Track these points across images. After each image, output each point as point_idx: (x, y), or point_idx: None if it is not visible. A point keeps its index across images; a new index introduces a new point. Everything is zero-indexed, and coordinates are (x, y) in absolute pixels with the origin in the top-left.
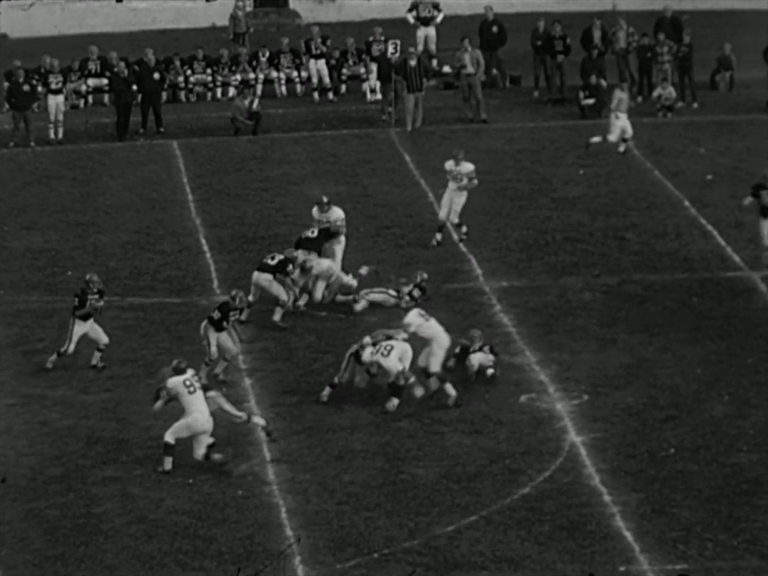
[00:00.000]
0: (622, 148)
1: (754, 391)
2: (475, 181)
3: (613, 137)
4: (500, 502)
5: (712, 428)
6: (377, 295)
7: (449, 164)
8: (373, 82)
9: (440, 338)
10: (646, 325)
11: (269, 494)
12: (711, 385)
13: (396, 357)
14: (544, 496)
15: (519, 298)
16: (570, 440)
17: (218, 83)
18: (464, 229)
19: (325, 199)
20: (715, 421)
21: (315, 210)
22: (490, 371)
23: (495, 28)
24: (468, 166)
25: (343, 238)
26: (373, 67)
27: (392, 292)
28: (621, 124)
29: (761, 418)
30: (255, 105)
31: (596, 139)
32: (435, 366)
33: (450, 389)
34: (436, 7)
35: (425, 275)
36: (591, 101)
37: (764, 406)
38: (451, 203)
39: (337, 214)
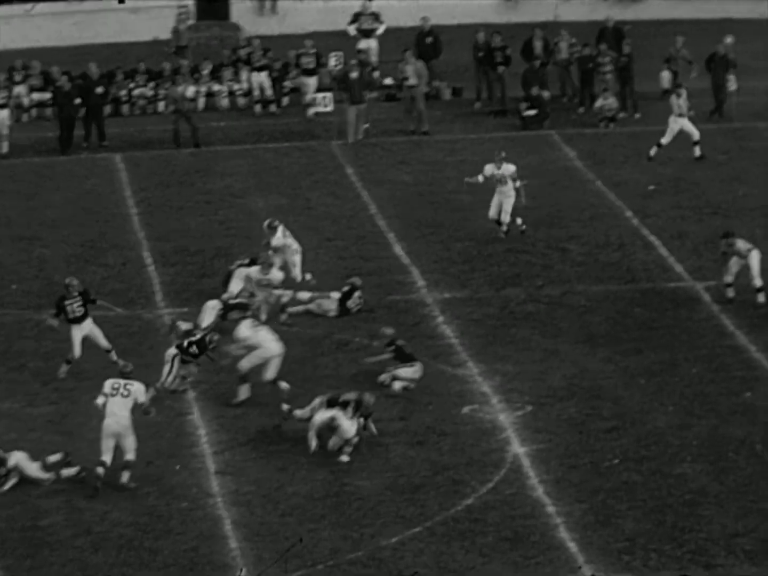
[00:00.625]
0: (697, 152)
1: (698, 402)
2: (518, 182)
3: (665, 140)
4: (444, 513)
5: (655, 439)
6: (312, 305)
7: (489, 168)
8: (311, 95)
9: (265, 349)
10: (589, 335)
11: (213, 506)
12: (654, 395)
13: (355, 426)
14: (488, 507)
15: (461, 310)
16: (513, 451)
17: (160, 96)
18: (519, 221)
19: (275, 223)
20: (659, 432)
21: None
22: (397, 385)
23: (429, 39)
24: (510, 168)
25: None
26: (305, 80)
27: (333, 294)
28: (678, 128)
29: (705, 429)
30: (188, 93)
31: (654, 150)
32: (269, 374)
33: (244, 392)
34: (377, 18)
35: (359, 282)
36: (533, 112)
37: (708, 416)
38: (501, 204)
39: (280, 240)
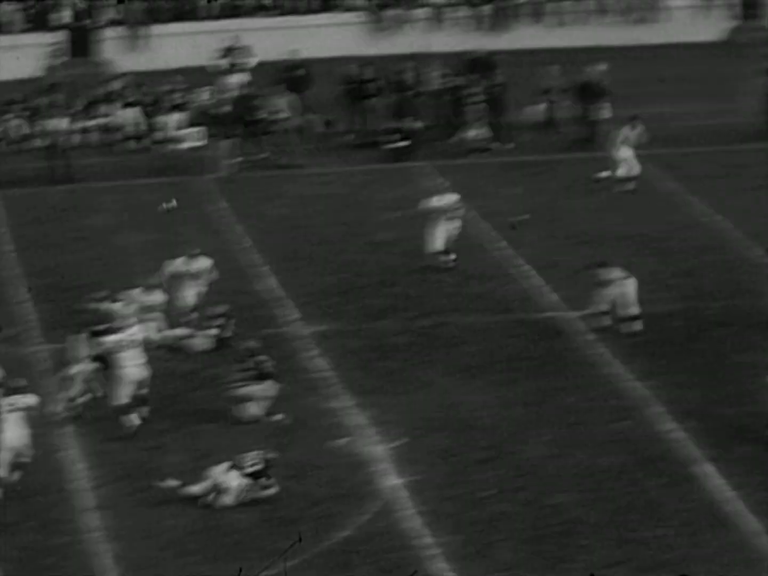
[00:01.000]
0: (632, 186)
1: (574, 431)
2: (461, 211)
3: (622, 172)
4: (321, 545)
5: (531, 469)
6: (185, 343)
7: (435, 201)
8: (183, 130)
9: (126, 373)
10: (463, 366)
11: (93, 541)
12: (530, 425)
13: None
14: (365, 539)
15: (336, 342)
16: (389, 483)
17: (36, 133)
18: (453, 256)
19: (197, 250)
20: (535, 462)
21: (180, 261)
22: (252, 409)
23: (300, 72)
24: (452, 197)
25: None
26: (175, 115)
27: (211, 332)
28: (626, 158)
29: (580, 458)
30: (62, 125)
31: (604, 173)
32: (117, 399)
33: (134, 419)
34: (248, 53)
35: (227, 309)
36: (404, 144)
37: (583, 445)
38: (446, 233)
39: (204, 263)
